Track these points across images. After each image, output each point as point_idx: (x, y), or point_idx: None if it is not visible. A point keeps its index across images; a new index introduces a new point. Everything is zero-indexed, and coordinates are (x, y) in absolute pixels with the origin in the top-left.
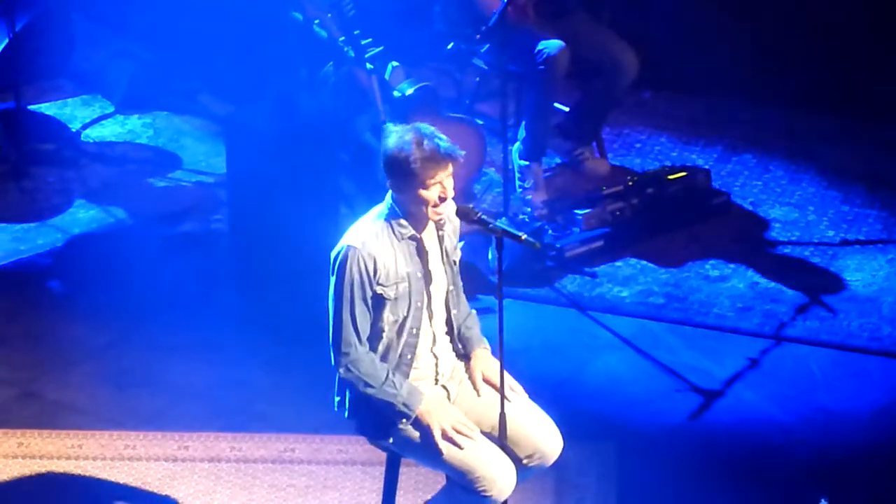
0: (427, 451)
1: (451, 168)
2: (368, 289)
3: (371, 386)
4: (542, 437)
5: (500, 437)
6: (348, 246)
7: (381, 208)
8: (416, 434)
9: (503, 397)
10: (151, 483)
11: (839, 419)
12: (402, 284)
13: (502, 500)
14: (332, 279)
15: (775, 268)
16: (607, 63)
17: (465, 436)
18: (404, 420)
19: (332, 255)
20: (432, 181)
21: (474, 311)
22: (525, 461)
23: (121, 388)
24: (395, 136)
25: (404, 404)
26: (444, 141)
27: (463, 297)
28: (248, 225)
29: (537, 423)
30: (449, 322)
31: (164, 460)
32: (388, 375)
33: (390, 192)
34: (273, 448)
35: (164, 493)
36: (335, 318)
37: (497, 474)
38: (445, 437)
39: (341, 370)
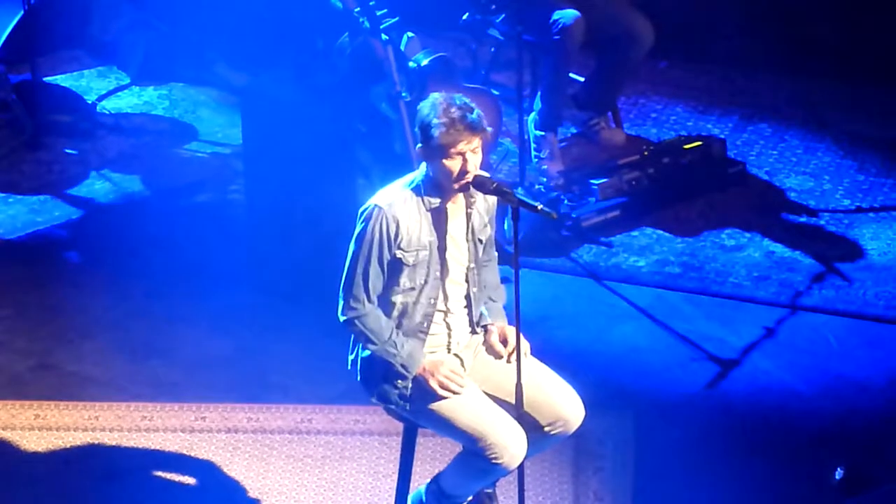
0: (440, 419)
1: (476, 142)
2: (387, 251)
3: (373, 343)
4: (565, 404)
5: (517, 406)
6: (375, 205)
7: (415, 175)
8: (428, 402)
9: (520, 367)
10: (169, 454)
11: (855, 387)
12: (422, 252)
13: (513, 467)
14: (354, 234)
15: (791, 237)
16: (623, 33)
17: (458, 386)
18: (399, 381)
19: (359, 212)
20: (454, 150)
21: (503, 287)
22: (547, 428)
23: (137, 359)
24: (430, 101)
25: (402, 366)
26: (473, 113)
27: (489, 273)
28: (265, 196)
29: (559, 390)
30: (468, 297)
31: (182, 431)
32: (391, 335)
33: (425, 161)
34: (290, 419)
35: (181, 464)
36: (349, 272)
37: (508, 441)
38: (443, 388)
39: (344, 319)
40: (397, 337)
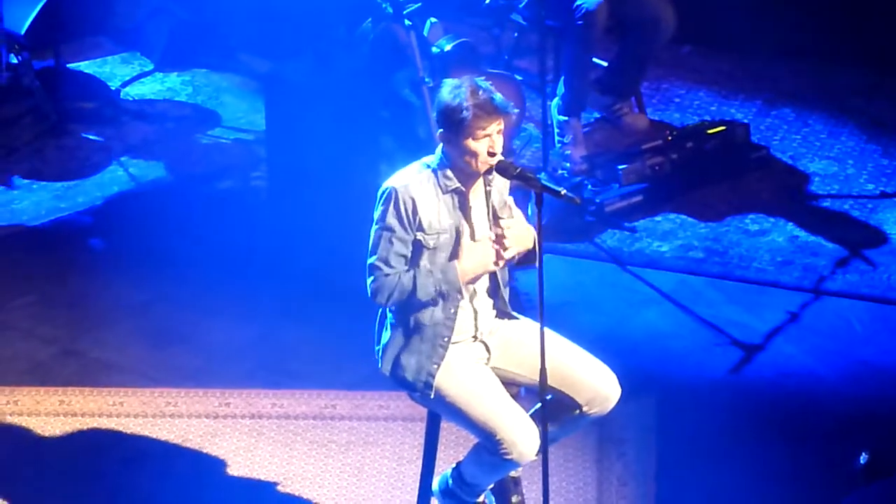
0: (456, 411)
1: (502, 123)
2: (407, 231)
3: (408, 290)
4: (602, 383)
5: (541, 389)
6: (391, 187)
7: (431, 158)
8: (447, 392)
9: (543, 352)
10: (193, 440)
11: (879, 372)
12: (443, 235)
13: (523, 462)
14: (375, 218)
15: (815, 221)
16: (646, 17)
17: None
18: (423, 372)
19: (377, 194)
20: (482, 132)
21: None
22: (585, 409)
23: (161, 345)
24: (451, 85)
25: (447, 282)
26: (498, 95)
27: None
28: (287, 182)
29: (596, 370)
30: (493, 278)
31: (206, 417)
32: (415, 274)
33: (441, 144)
34: (314, 404)
35: (205, 450)
36: (373, 254)
37: (518, 438)
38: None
39: (379, 300)
40: (419, 269)
